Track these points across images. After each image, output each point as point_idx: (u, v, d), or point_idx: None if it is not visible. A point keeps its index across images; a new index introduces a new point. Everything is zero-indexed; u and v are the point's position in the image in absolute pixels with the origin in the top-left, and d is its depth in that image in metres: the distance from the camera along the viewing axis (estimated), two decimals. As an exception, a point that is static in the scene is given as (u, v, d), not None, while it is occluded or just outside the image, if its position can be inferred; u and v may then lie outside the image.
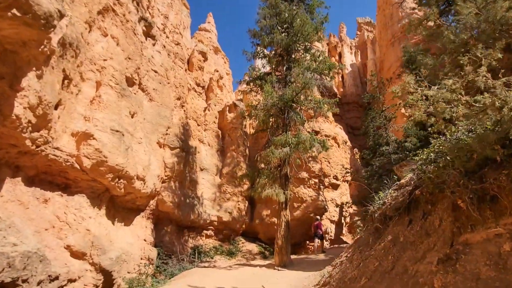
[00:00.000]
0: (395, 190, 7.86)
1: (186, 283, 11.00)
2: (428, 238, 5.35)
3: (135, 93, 15.40)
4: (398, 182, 8.15)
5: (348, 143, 31.21)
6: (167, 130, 18.47)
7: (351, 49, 53.79)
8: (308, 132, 19.32)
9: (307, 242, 24.48)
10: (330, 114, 28.21)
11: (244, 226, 22.96)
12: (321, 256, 16.70)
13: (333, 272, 8.67)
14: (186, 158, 20.24)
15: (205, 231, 21.30)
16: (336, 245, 23.38)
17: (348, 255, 8.66)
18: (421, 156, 6.45)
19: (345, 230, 28.44)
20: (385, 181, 18.03)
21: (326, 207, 22.10)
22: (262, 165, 17.00)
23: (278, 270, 13.33)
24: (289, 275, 12.17)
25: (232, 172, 23.16)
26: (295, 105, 16.18)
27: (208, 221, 20.89)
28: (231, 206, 22.33)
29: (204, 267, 17.45)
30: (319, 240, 18.69)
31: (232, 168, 23.30)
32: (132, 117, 14.28)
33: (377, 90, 23.10)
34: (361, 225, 14.06)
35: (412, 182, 6.90)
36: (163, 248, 17.62)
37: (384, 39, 38.66)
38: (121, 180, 12.85)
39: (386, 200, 7.90)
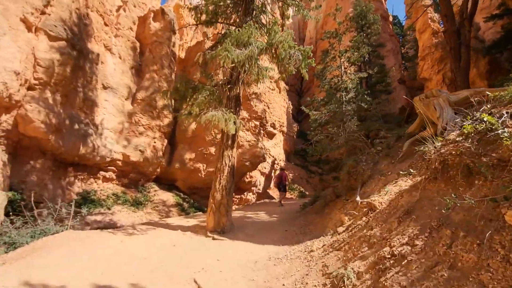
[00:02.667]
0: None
1: (20, 279, 4.70)
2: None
3: None
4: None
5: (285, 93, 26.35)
6: (45, 6, 10.59)
7: (293, 0, 47.71)
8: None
9: (239, 196, 19.48)
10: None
11: (159, 170, 16.65)
12: (262, 215, 11.69)
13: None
14: (80, 63, 12.64)
15: (102, 172, 14.43)
16: (267, 200, 18.79)
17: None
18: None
19: (273, 184, 24.24)
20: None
21: (266, 156, 17.04)
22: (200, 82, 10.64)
23: (214, 238, 7.82)
24: (235, 251, 6.75)
25: (150, 99, 16.21)
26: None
27: (108, 159, 14.03)
28: (144, 143, 15.67)
29: (90, 225, 11.02)
30: (281, 192, 15.70)
31: (151, 94, 16.32)
32: None
33: (339, 29, 18.03)
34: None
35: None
36: (25, 193, 10.50)
37: (336, -12, 33.65)
38: None
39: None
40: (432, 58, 19.26)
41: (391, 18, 35.62)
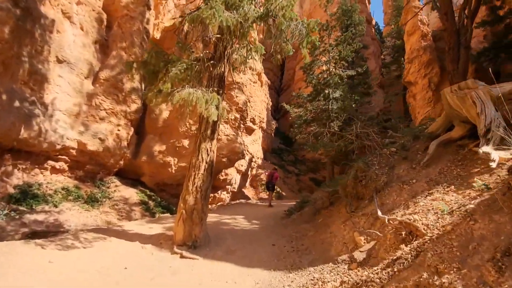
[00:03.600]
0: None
1: None
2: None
3: None
4: None
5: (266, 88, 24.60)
6: None
7: None
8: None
9: (212, 194, 17.43)
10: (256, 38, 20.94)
11: (122, 162, 14.26)
12: (241, 220, 9.81)
13: None
14: (27, 26, 10.10)
15: (51, 162, 11.88)
16: (243, 200, 16.90)
17: None
18: None
19: (248, 183, 22.41)
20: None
21: (245, 152, 15.15)
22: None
23: (183, 256, 5.82)
24: (212, 277, 4.82)
25: (115, 79, 13.78)
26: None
27: (59, 146, 11.53)
28: (105, 130, 13.25)
29: (27, 227, 8.68)
30: (269, 192, 14.57)
31: (117, 74, 13.88)
32: None
33: (330, 22, 16.46)
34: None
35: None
36: None
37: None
38: None
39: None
40: (419, 61, 18.24)
41: (374, 22, 34.90)
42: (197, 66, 6.63)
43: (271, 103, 28.92)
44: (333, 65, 15.19)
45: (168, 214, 12.40)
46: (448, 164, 5.36)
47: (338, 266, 4.44)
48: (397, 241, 3.94)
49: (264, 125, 22.11)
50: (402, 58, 34.28)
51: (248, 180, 21.74)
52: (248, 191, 22.64)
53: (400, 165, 6.01)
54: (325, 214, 7.99)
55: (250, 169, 20.84)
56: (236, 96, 14.81)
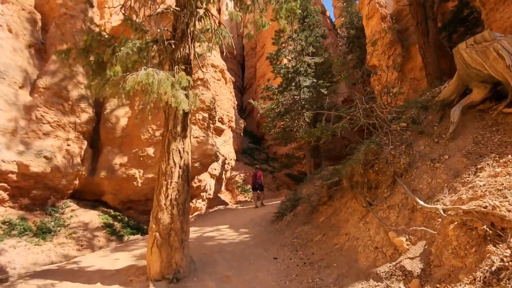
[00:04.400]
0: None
1: None
2: None
3: None
4: None
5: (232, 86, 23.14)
6: None
7: (228, -4, 44.74)
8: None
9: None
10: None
11: (77, 182, 12.07)
12: (227, 231, 8.29)
13: None
14: None
15: (-16, 192, 9.56)
16: (222, 207, 15.31)
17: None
18: None
19: (224, 187, 20.81)
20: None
21: (218, 154, 13.60)
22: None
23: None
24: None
25: (58, 87, 11.62)
26: None
27: (-8, 172, 9.27)
28: (51, 146, 11.06)
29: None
30: (259, 192, 13.26)
31: (60, 81, 11.72)
32: None
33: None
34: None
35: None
36: None
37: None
38: None
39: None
40: (382, 43, 17.81)
41: (328, 14, 34.76)
42: (154, 46, 5.04)
43: (236, 102, 27.50)
44: (300, 51, 14.12)
45: (139, 236, 10.57)
46: (481, 132, 4.34)
47: (388, 286, 3.16)
48: (471, 239, 2.75)
49: (233, 124, 20.64)
50: (358, 48, 34.69)
51: (223, 184, 20.15)
52: (225, 195, 21.05)
53: (418, 141, 4.91)
54: (326, 211, 6.74)
55: (224, 172, 19.25)
56: (202, 94, 13.21)
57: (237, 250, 6.19)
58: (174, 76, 4.44)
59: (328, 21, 32.80)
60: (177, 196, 4.92)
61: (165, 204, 4.84)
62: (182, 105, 4.40)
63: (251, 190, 21.33)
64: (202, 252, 6.08)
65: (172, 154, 5.07)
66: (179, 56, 5.54)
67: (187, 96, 4.84)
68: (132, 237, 11.31)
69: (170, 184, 4.93)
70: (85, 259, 6.54)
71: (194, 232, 8.51)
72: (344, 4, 37.37)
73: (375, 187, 5.00)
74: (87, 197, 13.02)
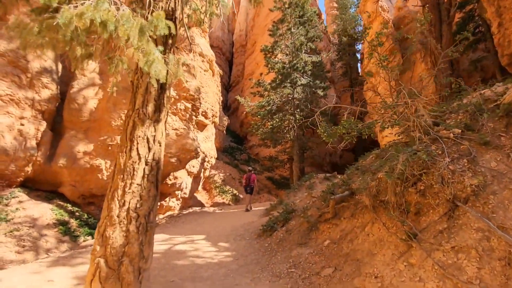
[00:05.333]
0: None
1: None
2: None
3: None
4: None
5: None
6: None
7: (222, -9, 42.95)
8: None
9: (159, 203, 13.90)
10: (206, 25, 17.94)
11: (31, 169, 10.06)
12: (203, 244, 6.68)
13: None
14: None
15: None
16: (197, 209, 13.61)
17: None
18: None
19: (201, 186, 19.08)
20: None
21: (199, 149, 11.93)
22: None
23: None
24: None
25: (16, 55, 9.62)
26: None
27: None
28: (1, 125, 9.07)
29: None
30: (249, 196, 12.27)
31: (18, 47, 9.71)
32: None
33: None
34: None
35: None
36: None
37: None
38: None
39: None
40: (382, 50, 16.81)
41: (323, 17, 33.78)
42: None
43: (221, 98, 25.83)
44: (299, 46, 12.74)
45: (96, 238, 8.68)
46: None
47: None
48: None
49: (217, 120, 18.93)
50: (348, 55, 33.96)
51: (201, 183, 18.42)
52: (201, 195, 19.33)
53: (484, 155, 3.56)
54: (329, 232, 5.32)
55: (203, 170, 17.54)
56: (186, 81, 11.52)
57: (216, 277, 4.62)
58: (146, 19, 2.85)
59: (323, 25, 31.82)
60: (138, 205, 3.29)
61: (118, 216, 3.20)
62: (157, 69, 2.81)
63: (229, 192, 19.79)
64: (170, 280, 4.47)
65: (137, 144, 3.45)
66: (161, 7, 3.90)
67: (167, 61, 3.25)
68: (89, 238, 9.43)
69: (129, 187, 3.30)
70: (7, 274, 4.75)
71: (162, 243, 6.83)
72: (338, 11, 36.67)
73: (417, 213, 3.62)
74: (42, 187, 11.00)
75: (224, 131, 26.38)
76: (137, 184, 3.37)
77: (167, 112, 3.92)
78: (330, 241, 5.06)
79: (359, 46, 36.81)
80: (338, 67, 36.72)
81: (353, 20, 33.58)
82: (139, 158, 3.45)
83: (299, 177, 13.20)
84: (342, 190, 5.89)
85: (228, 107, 36.49)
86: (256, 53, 30.70)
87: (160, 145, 3.73)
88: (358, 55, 36.65)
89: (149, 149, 3.55)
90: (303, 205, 7.10)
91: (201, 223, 9.42)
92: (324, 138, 4.88)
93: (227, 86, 37.80)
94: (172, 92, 11.36)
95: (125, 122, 3.63)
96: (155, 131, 3.65)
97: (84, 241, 9.25)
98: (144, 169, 3.45)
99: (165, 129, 9.50)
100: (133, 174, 3.38)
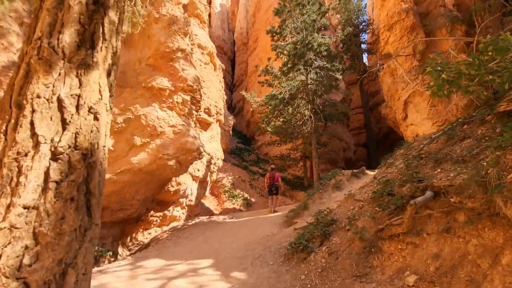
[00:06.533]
0: None
1: None
2: None
3: None
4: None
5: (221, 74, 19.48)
6: None
7: (221, -11, 41.27)
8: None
9: (151, 212, 12.05)
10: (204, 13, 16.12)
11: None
12: (212, 282, 4.63)
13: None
14: None
15: None
16: (205, 218, 11.56)
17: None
18: None
19: (208, 191, 17.08)
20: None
21: (202, 149, 9.90)
22: None
23: None
24: None
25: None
26: None
27: None
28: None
29: None
30: (274, 197, 10.59)
31: (-25, 36, 7.82)
32: None
33: None
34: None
35: None
36: None
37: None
38: None
39: None
40: (401, 27, 14.72)
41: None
42: None
43: (226, 96, 23.85)
44: (311, 23, 10.68)
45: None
46: None
47: None
48: None
49: (222, 118, 16.95)
50: (355, 45, 31.82)
51: (208, 188, 16.42)
52: (209, 201, 17.34)
53: None
54: (404, 255, 3.30)
55: (209, 173, 15.54)
56: (183, 70, 9.54)
57: None
58: None
59: (328, 15, 29.74)
60: (25, 261, 1.32)
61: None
62: None
63: (240, 196, 17.74)
64: None
65: (32, 112, 1.47)
66: None
67: None
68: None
69: (5, 214, 1.34)
70: None
71: (152, 277, 4.80)
72: (342, 1, 34.51)
73: None
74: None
75: (231, 132, 24.39)
76: (26, 207, 1.35)
77: (115, 52, 1.90)
78: (416, 275, 2.98)
79: (364, 36, 34.71)
80: (345, 59, 34.61)
81: (358, 9, 31.55)
82: (36, 145, 1.43)
83: (319, 176, 11.14)
84: (412, 188, 3.82)
85: (234, 107, 34.59)
86: (259, 49, 28.80)
87: (96, 119, 1.69)
88: (364, 46, 34.56)
89: (65, 124, 1.53)
90: (344, 213, 5.02)
91: (209, 238, 7.39)
92: (430, 92, 2.81)
93: (231, 86, 35.93)
94: (166, 83, 9.39)
95: (15, 70, 1.63)
96: (80, 85, 1.62)
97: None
98: (47, 169, 1.43)
99: (161, 129, 7.53)
100: (18, 183, 1.36)
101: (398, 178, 4.62)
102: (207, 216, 11.49)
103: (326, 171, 18.93)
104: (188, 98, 9.72)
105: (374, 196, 4.62)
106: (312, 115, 10.32)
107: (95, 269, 5.34)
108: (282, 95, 11.00)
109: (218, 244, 6.64)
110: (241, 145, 28.37)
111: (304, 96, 10.53)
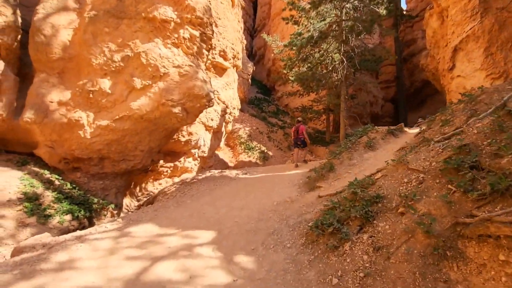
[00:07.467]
0: None
1: None
2: None
3: None
4: None
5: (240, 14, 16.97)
6: None
7: None
8: None
9: (161, 163, 11.12)
10: None
11: (-12, 125, 7.20)
12: (208, 274, 3.49)
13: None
14: None
15: None
16: (216, 172, 10.45)
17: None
18: None
19: (223, 143, 15.94)
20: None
21: (212, 94, 8.36)
22: None
23: None
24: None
25: None
26: None
27: None
28: None
29: None
30: (299, 150, 9.59)
31: None
32: None
33: None
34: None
35: None
36: None
37: None
38: None
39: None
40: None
41: None
42: None
43: (245, 42, 21.41)
44: None
45: (82, 220, 5.90)
46: None
47: None
48: None
49: (239, 63, 15.04)
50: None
51: (223, 139, 15.25)
52: (224, 153, 16.31)
53: None
54: (503, 268, 1.76)
55: (224, 124, 14.21)
56: (190, -4, 7.64)
57: None
58: None
59: None
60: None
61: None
62: None
63: (257, 148, 16.57)
64: None
65: None
66: None
67: None
68: (66, 219, 6.66)
69: None
70: None
71: (137, 252, 3.70)
72: None
73: None
74: (17, 149, 8.27)
75: (249, 80, 22.46)
76: None
77: None
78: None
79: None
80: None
81: None
82: None
83: (346, 132, 9.52)
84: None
85: (254, 55, 31.94)
86: None
87: None
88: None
89: None
90: (394, 187, 3.56)
91: (216, 199, 6.26)
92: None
93: (252, 32, 32.81)
94: (170, 13, 7.59)
95: None
96: None
97: (59, 222, 6.50)
98: None
99: (165, 70, 6.11)
100: None
101: (485, 144, 3.03)
102: (219, 170, 10.40)
103: (350, 127, 17.16)
104: (197, 33, 7.95)
105: (445, 168, 3.08)
106: (344, 59, 8.41)
107: (73, 235, 4.36)
108: (310, 33, 8.98)
109: (225, 208, 5.49)
110: (260, 95, 26.52)
111: (337, 35, 8.46)
